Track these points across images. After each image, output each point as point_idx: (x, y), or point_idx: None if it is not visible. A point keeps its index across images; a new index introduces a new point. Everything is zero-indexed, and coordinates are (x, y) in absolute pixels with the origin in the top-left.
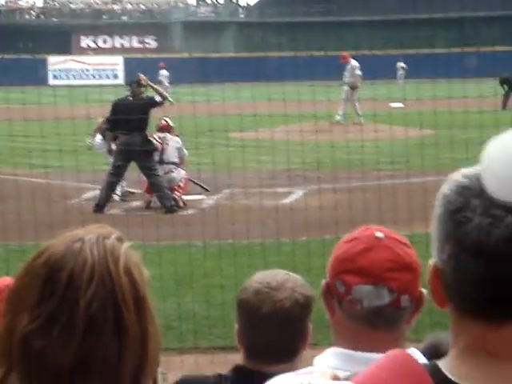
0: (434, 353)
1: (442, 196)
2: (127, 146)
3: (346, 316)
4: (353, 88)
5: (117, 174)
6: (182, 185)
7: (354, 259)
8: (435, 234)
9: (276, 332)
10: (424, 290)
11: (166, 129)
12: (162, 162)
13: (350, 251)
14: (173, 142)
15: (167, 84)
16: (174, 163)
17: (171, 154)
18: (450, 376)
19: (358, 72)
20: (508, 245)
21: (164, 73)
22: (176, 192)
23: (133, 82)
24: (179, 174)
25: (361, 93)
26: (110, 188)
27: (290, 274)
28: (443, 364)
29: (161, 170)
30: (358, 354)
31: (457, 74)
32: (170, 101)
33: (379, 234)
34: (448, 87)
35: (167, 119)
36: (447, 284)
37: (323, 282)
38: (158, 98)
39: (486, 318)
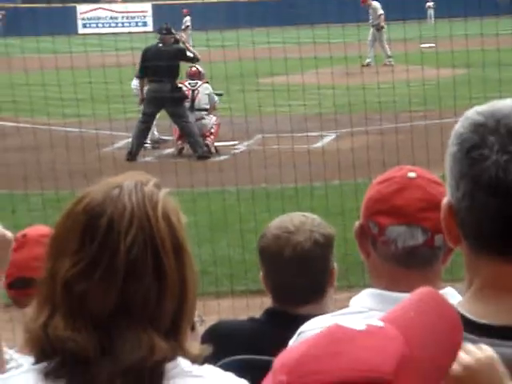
0: None
1: (457, 134)
2: (157, 93)
3: (381, 257)
4: (378, 29)
5: (147, 121)
6: (213, 131)
7: (387, 200)
8: (449, 173)
9: (299, 274)
10: None
11: (196, 75)
12: (192, 108)
13: (383, 192)
14: (203, 89)
15: (189, 32)
16: (205, 109)
17: (202, 101)
18: (467, 315)
19: (380, 12)
20: None
21: (188, 19)
22: (208, 138)
23: (162, 30)
24: (210, 120)
25: (391, 34)
26: (141, 135)
27: (307, 215)
28: (460, 304)
29: (192, 117)
30: (393, 294)
31: (489, 12)
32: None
33: (412, 174)
34: (480, 25)
35: (197, 66)
36: (462, 222)
37: (356, 223)
38: (189, 54)
39: (501, 253)
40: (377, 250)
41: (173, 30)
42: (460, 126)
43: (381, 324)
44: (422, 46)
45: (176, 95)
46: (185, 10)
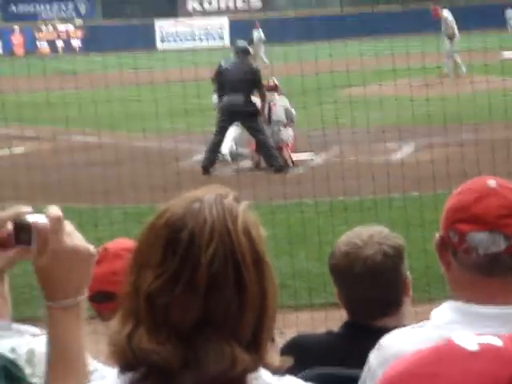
0: None
1: None
2: (230, 106)
3: (462, 266)
4: (451, 38)
5: (220, 135)
6: (290, 144)
7: (467, 208)
8: None
9: (372, 288)
10: None
11: (273, 89)
12: (269, 121)
13: (463, 200)
14: (280, 102)
15: (262, 46)
16: (281, 123)
17: (279, 114)
18: None
19: (450, 22)
20: None
21: (257, 34)
22: (285, 151)
23: (240, 50)
24: (288, 133)
25: (471, 44)
26: (213, 149)
27: (374, 227)
28: None
29: (269, 130)
30: (474, 307)
31: None
32: (264, 62)
33: (491, 182)
34: None
35: (274, 79)
36: None
37: (437, 235)
38: (261, 86)
39: None
40: (457, 259)
41: (250, 49)
42: None
43: (499, 343)
44: (504, 54)
45: (250, 109)
46: (257, 25)
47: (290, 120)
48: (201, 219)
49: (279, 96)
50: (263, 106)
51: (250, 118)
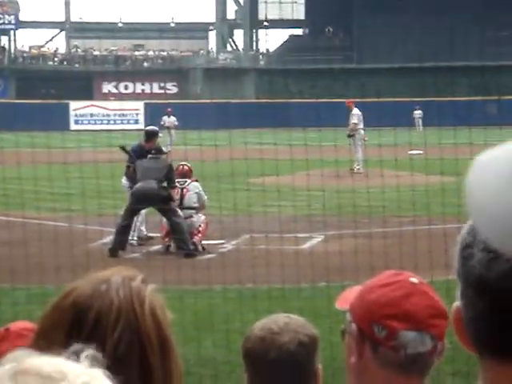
0: None
1: (459, 237)
2: (143, 191)
3: (380, 362)
4: (349, 135)
5: (130, 218)
6: (201, 229)
7: (397, 304)
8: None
9: (286, 376)
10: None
11: (186, 174)
12: (181, 207)
13: (389, 296)
14: (192, 187)
15: (173, 132)
16: (193, 208)
17: (190, 199)
18: None
19: (353, 120)
20: (508, 279)
21: (167, 119)
22: (195, 236)
23: (149, 134)
24: (199, 219)
25: (382, 139)
26: (122, 231)
27: (291, 316)
28: None
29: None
30: None
31: (478, 122)
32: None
33: (414, 280)
34: (469, 134)
35: (188, 164)
36: (464, 323)
37: (353, 325)
38: (173, 181)
39: (499, 355)
40: (377, 354)
41: (159, 134)
42: (463, 228)
43: None
44: (410, 152)
45: (163, 194)
46: (169, 110)
47: (201, 205)
48: (108, 300)
49: (192, 181)
50: (175, 192)
51: (163, 202)
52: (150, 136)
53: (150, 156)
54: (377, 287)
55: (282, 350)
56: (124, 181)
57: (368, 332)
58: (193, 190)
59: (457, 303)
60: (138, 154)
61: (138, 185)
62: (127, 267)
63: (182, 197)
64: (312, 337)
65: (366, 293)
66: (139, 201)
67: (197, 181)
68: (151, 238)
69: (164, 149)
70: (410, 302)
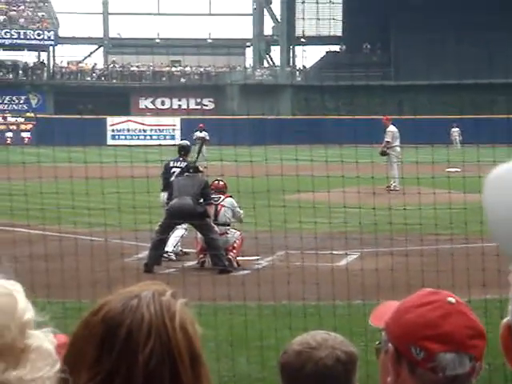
0: None
1: None
2: (179, 208)
3: (418, 383)
4: (383, 154)
5: (163, 233)
6: (236, 245)
7: (436, 325)
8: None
9: None
10: None
11: (222, 189)
12: (216, 223)
13: (427, 316)
14: (227, 203)
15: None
16: (227, 224)
17: (225, 215)
18: None
19: (387, 139)
20: None
21: (199, 134)
22: (230, 253)
23: (182, 150)
24: (234, 235)
25: (419, 156)
26: (157, 247)
27: (330, 333)
28: None
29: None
30: None
31: None
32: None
33: (452, 300)
34: (508, 152)
35: (223, 180)
36: None
37: (389, 345)
38: (209, 198)
39: None
40: (415, 375)
41: (190, 147)
42: None
43: None
44: (448, 170)
45: (199, 210)
46: (200, 125)
47: (237, 219)
48: (138, 316)
49: (225, 197)
50: (210, 208)
51: (199, 218)
52: (183, 150)
53: (186, 174)
54: (414, 307)
55: (319, 364)
56: (163, 196)
57: (405, 353)
58: (228, 205)
59: (507, 320)
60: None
61: (174, 201)
62: (157, 282)
63: (217, 213)
64: (350, 354)
65: (403, 312)
66: (175, 217)
67: (231, 197)
68: (187, 253)
69: (200, 168)
70: (449, 323)
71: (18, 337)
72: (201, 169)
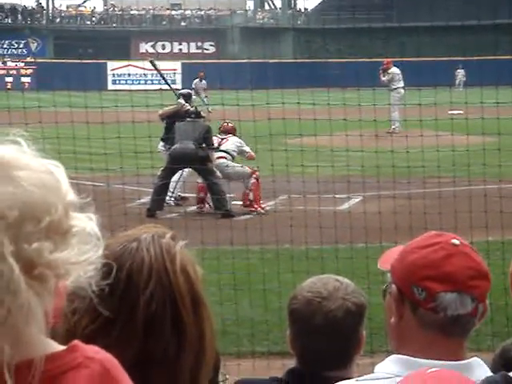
0: (504, 363)
1: None
2: (181, 152)
3: (421, 323)
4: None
5: (166, 178)
6: (253, 188)
7: (437, 265)
8: None
9: (329, 341)
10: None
11: (230, 132)
12: (218, 150)
13: (431, 257)
14: (232, 139)
15: (203, 95)
16: (229, 153)
17: (229, 147)
18: None
19: (397, 77)
20: None
21: (199, 83)
22: (250, 203)
23: (182, 94)
24: (245, 170)
25: (422, 99)
26: (159, 192)
27: (341, 279)
28: None
29: (214, 155)
30: (422, 360)
31: None
32: (208, 111)
33: (456, 241)
34: (511, 94)
35: (231, 122)
36: None
37: (393, 287)
38: (211, 144)
39: None
40: (418, 316)
41: (192, 94)
42: None
43: None
44: (451, 112)
45: (201, 154)
46: (201, 73)
47: (248, 156)
48: (138, 258)
49: (234, 135)
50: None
51: (201, 162)
52: (185, 98)
53: (188, 119)
54: (418, 248)
55: (328, 316)
56: (160, 146)
57: (408, 293)
58: (232, 141)
59: None
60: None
61: (176, 146)
62: (156, 225)
63: (220, 144)
64: (360, 305)
65: (406, 254)
66: (176, 161)
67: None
68: (186, 198)
69: (202, 112)
70: (450, 264)
71: (64, 217)
72: (203, 114)
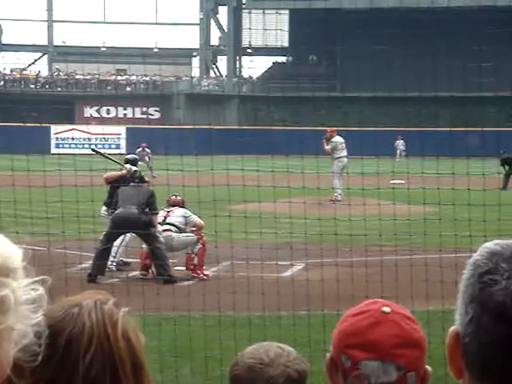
0: None
1: (472, 261)
2: (123, 217)
3: None
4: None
5: (108, 242)
6: (199, 254)
7: (361, 333)
8: (460, 300)
9: None
10: (429, 368)
11: (177, 204)
12: (163, 223)
13: (357, 325)
14: (178, 212)
15: (147, 159)
16: (176, 227)
17: (174, 219)
18: None
19: (327, 146)
20: None
21: (142, 152)
22: (193, 269)
23: (129, 160)
24: (192, 238)
25: (364, 168)
26: (101, 257)
27: (283, 347)
28: None
29: (160, 228)
30: None
31: (460, 153)
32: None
33: (386, 309)
34: (451, 165)
35: (180, 195)
36: (466, 349)
37: (327, 355)
38: (155, 208)
39: (505, 381)
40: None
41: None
42: (477, 254)
43: None
44: (393, 181)
45: (144, 219)
46: (143, 144)
47: (196, 226)
48: (79, 323)
49: (180, 207)
50: (157, 216)
51: (144, 227)
52: (132, 163)
53: (132, 184)
54: (350, 316)
55: (270, 383)
56: (103, 211)
57: (338, 361)
58: (178, 214)
59: (455, 328)
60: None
61: (119, 210)
62: (99, 291)
63: (166, 217)
64: (301, 372)
65: (340, 322)
66: (119, 226)
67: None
68: (127, 263)
69: (146, 177)
70: (375, 332)
71: None
72: (146, 179)
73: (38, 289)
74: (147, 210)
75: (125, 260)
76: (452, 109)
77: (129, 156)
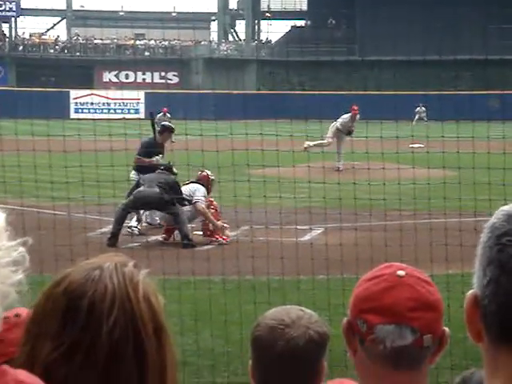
0: None
1: (489, 224)
2: (145, 197)
3: (369, 356)
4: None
5: (129, 209)
6: (213, 215)
7: (376, 298)
8: (478, 263)
9: (290, 370)
10: (447, 329)
11: (200, 179)
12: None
13: (372, 289)
14: (191, 186)
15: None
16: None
17: (184, 190)
18: None
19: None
20: None
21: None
22: (210, 234)
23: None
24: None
25: (384, 132)
26: (121, 221)
27: (305, 310)
28: None
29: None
30: None
31: (480, 116)
32: (172, 141)
33: (401, 272)
34: (471, 128)
35: (208, 171)
36: (485, 311)
37: (344, 320)
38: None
39: None
40: (365, 348)
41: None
42: (494, 217)
43: None
44: (411, 145)
45: (166, 198)
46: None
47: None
48: (101, 287)
49: (195, 183)
50: None
51: (165, 206)
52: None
53: (158, 171)
54: (364, 281)
55: (290, 343)
56: (132, 174)
57: (354, 325)
58: (188, 188)
59: (473, 291)
60: (148, 149)
61: (141, 188)
62: (118, 253)
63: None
64: (322, 334)
65: (356, 287)
66: (140, 204)
67: (203, 185)
68: (151, 224)
69: (174, 169)
70: (390, 296)
71: None
72: (174, 170)
73: (19, 249)
74: (171, 192)
75: (151, 223)
76: (472, 72)
77: (166, 123)
